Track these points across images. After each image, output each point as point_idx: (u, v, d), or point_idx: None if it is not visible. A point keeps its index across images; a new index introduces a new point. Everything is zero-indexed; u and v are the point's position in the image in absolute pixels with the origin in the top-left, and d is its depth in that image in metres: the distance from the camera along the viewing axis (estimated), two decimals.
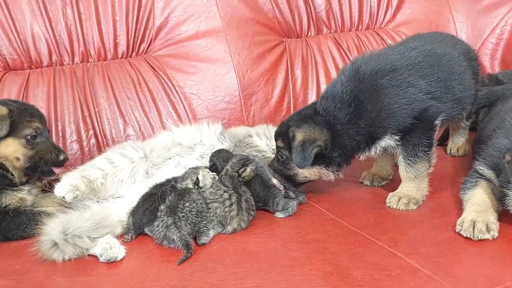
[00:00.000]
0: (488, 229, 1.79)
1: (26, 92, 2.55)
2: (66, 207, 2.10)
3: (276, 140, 2.24)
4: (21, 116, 2.15)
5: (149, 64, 2.76)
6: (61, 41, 2.66)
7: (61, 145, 2.51)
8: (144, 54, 2.81)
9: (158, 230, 1.91)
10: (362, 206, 2.17)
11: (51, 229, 1.83)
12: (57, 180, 2.11)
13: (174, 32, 2.80)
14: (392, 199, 2.12)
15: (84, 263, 1.82)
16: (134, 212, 2.01)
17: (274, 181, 2.19)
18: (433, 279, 1.59)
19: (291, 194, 2.21)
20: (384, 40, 3.14)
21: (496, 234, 1.80)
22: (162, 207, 1.95)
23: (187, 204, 1.94)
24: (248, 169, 2.15)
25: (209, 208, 2.00)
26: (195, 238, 1.91)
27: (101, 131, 2.61)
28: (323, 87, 2.97)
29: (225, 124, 2.68)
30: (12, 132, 2.12)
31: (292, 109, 2.90)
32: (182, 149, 2.35)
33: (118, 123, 2.64)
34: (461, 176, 2.15)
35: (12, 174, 2.15)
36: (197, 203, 1.97)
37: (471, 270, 1.65)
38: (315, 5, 3.08)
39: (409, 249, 1.76)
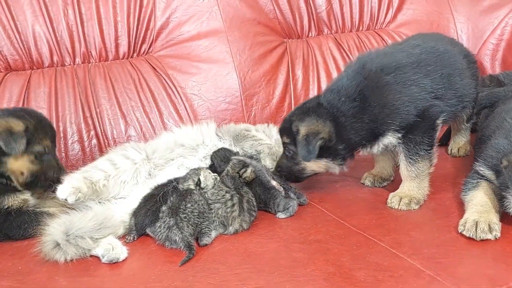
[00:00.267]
0: (490, 229, 1.79)
1: (27, 92, 2.56)
2: (69, 207, 2.09)
3: (281, 136, 2.25)
4: (35, 133, 2.13)
5: (151, 64, 2.76)
6: (63, 41, 2.66)
7: (62, 146, 2.52)
8: (145, 55, 2.81)
9: (160, 231, 1.90)
10: (364, 207, 2.17)
11: (54, 230, 1.83)
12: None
13: (175, 32, 2.80)
14: (393, 200, 2.12)
15: (87, 263, 1.82)
16: (136, 213, 2.01)
17: (273, 183, 2.18)
18: (436, 280, 1.60)
19: (292, 195, 2.21)
20: (385, 41, 3.15)
21: (498, 235, 1.80)
22: (164, 208, 1.95)
23: (188, 205, 1.94)
24: (249, 170, 2.15)
25: (211, 209, 2.00)
26: (197, 239, 1.91)
27: (103, 131, 2.61)
28: (324, 88, 2.96)
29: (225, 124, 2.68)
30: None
31: None
32: (185, 150, 2.35)
33: (120, 124, 2.64)
34: (462, 177, 2.15)
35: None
36: (198, 204, 1.96)
37: (474, 271, 1.65)
38: (316, 6, 3.08)
39: (411, 250, 1.76)
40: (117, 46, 2.74)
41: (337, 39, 3.11)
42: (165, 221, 1.91)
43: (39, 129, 2.15)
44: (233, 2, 2.86)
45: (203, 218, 1.94)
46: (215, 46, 2.81)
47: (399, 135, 2.11)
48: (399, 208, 2.09)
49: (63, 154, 2.53)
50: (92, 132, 2.59)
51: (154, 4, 2.77)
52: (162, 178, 2.18)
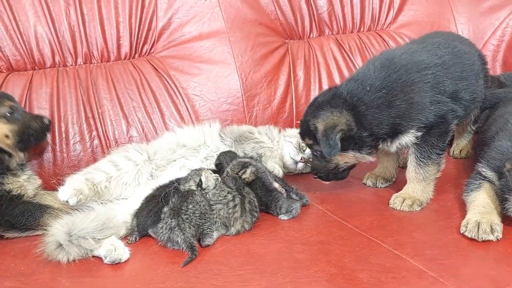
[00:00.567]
0: (492, 230, 1.80)
1: (29, 93, 2.55)
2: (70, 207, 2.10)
3: (303, 140, 2.24)
4: None
5: (152, 65, 2.75)
6: (64, 42, 2.65)
7: (64, 146, 2.52)
8: (147, 55, 2.80)
9: (162, 232, 1.91)
10: (366, 207, 2.17)
11: (56, 230, 1.83)
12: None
13: (177, 33, 2.79)
14: (396, 200, 2.12)
15: (89, 264, 1.82)
16: (138, 214, 2.01)
17: (276, 185, 2.19)
18: (439, 281, 1.60)
19: (294, 196, 2.21)
20: (386, 42, 3.14)
21: (500, 235, 1.81)
22: (165, 209, 1.95)
23: (190, 206, 1.94)
24: (248, 171, 2.15)
25: (213, 210, 2.00)
26: (199, 240, 1.91)
27: (104, 132, 2.60)
28: (325, 88, 2.96)
29: (227, 125, 2.67)
30: None
31: (294, 110, 2.90)
32: (187, 151, 2.35)
33: (121, 124, 2.63)
34: (464, 178, 2.16)
35: (10, 155, 2.21)
36: (200, 205, 1.97)
37: (477, 272, 1.65)
38: (317, 7, 3.08)
39: (414, 251, 1.77)
40: (119, 46, 2.74)
41: (338, 40, 3.11)
42: (167, 222, 1.91)
43: None
44: (234, 3, 2.86)
45: (205, 219, 1.94)
46: (216, 47, 2.81)
47: (419, 134, 2.10)
48: (401, 209, 2.09)
49: (65, 154, 2.53)
50: (94, 133, 2.59)
51: (156, 4, 2.77)
52: (164, 179, 2.18)
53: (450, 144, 2.71)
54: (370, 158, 2.19)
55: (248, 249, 1.86)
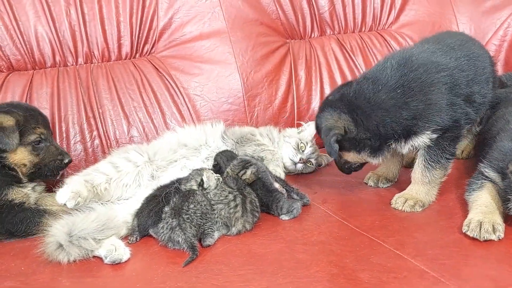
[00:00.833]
0: (494, 230, 1.80)
1: (30, 93, 2.55)
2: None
3: (319, 135, 2.22)
4: (26, 124, 2.18)
5: (153, 65, 2.75)
6: (65, 41, 2.65)
7: (64, 146, 2.51)
8: (148, 55, 2.80)
9: (162, 232, 1.90)
10: (367, 207, 2.17)
11: (57, 231, 1.83)
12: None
13: (178, 33, 2.79)
14: (398, 200, 2.12)
15: (89, 264, 1.82)
16: (138, 214, 2.01)
17: (276, 185, 2.18)
18: (440, 281, 1.59)
19: (295, 196, 2.21)
20: (387, 42, 3.14)
21: (502, 235, 1.80)
22: (166, 209, 1.94)
23: (191, 206, 1.94)
24: (249, 172, 2.14)
25: (214, 210, 1.99)
26: (200, 240, 1.91)
27: (105, 132, 2.60)
28: (326, 88, 2.97)
29: (228, 125, 2.67)
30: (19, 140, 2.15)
31: (295, 110, 2.90)
32: (188, 151, 2.34)
33: (122, 124, 2.63)
34: (465, 178, 2.15)
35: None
36: (201, 205, 1.96)
37: (478, 272, 1.65)
38: (318, 7, 3.08)
39: (415, 251, 1.76)
40: (119, 46, 2.73)
41: (339, 39, 3.11)
42: (167, 222, 1.90)
43: (30, 119, 2.20)
44: (235, 3, 2.86)
45: (206, 219, 1.94)
46: (217, 46, 2.80)
47: (435, 136, 2.08)
48: (403, 209, 2.09)
49: None
50: (95, 133, 2.58)
51: (157, 4, 2.77)
52: (165, 179, 2.18)
53: None
54: (380, 160, 2.17)
55: (249, 249, 1.86)
